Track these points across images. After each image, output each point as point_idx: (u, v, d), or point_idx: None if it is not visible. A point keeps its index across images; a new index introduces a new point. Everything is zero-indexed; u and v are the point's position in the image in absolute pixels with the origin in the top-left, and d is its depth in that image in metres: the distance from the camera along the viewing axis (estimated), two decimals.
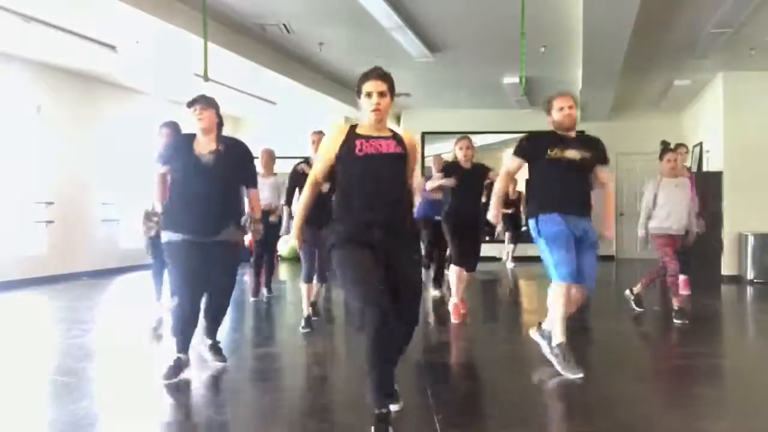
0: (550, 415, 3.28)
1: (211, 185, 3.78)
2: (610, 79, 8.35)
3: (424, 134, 12.36)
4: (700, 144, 10.27)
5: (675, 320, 5.54)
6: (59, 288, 8.02)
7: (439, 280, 7.32)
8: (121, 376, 4.08)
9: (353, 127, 3.15)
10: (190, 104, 3.85)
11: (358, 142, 3.05)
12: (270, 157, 7.31)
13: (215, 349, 4.18)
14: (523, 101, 10.60)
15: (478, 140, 12.33)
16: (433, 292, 7.15)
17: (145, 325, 5.76)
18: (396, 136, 3.17)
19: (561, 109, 4.02)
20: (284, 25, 7.00)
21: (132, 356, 4.60)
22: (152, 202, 5.12)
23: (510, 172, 4.17)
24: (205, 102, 3.88)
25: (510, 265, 10.72)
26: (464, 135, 5.98)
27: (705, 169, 9.80)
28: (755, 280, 8.45)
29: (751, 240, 8.54)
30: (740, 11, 6.10)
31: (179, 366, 3.79)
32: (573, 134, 4.05)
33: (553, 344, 3.91)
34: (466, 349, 4.88)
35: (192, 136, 3.92)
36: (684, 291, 6.70)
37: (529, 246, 11.38)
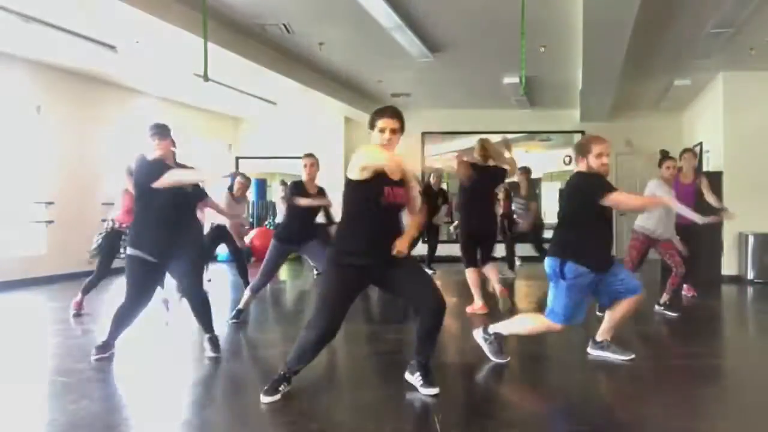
0: (550, 415, 3.28)
1: None
2: (610, 79, 8.35)
3: (423, 134, 12.36)
4: (700, 144, 10.28)
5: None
6: (59, 288, 8.02)
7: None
8: (120, 376, 4.08)
9: None
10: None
11: (386, 190, 3.31)
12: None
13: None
14: (523, 101, 10.60)
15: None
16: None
17: (144, 324, 5.75)
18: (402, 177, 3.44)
19: (599, 156, 3.87)
20: (284, 25, 7.00)
21: (132, 356, 4.60)
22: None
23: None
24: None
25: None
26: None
27: (705, 169, 9.79)
28: (755, 280, 8.45)
29: (751, 240, 8.54)
30: (740, 11, 6.10)
31: None
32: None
33: (491, 331, 4.24)
34: (466, 349, 4.87)
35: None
36: (688, 293, 7.07)
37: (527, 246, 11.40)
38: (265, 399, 3.36)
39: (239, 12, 6.61)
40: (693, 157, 7.09)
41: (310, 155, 5.54)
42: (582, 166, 3.97)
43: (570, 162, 12.94)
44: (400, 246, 3.28)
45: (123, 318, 4.32)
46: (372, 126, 3.39)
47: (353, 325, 5.52)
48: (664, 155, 6.16)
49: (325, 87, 9.54)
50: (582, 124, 11.87)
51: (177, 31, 6.18)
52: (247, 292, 5.66)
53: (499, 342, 4.22)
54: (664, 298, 6.10)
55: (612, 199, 3.82)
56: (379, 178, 3.31)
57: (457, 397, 3.65)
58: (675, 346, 5.04)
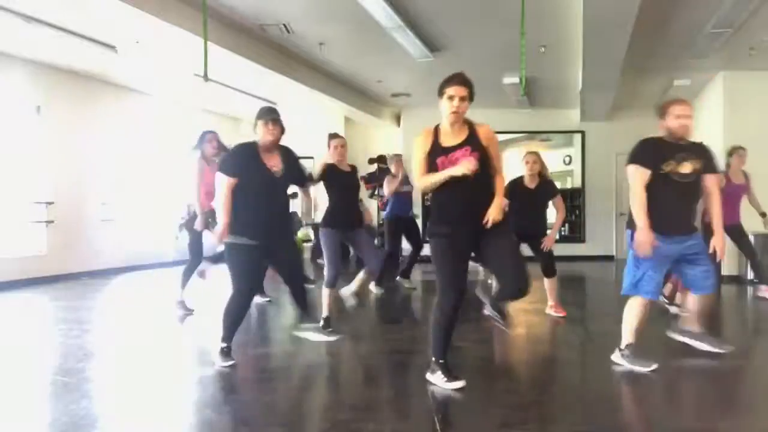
0: (550, 415, 3.28)
1: None
2: (610, 79, 8.35)
3: None
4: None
5: None
6: (59, 288, 8.02)
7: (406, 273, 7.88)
8: (121, 376, 4.08)
9: (436, 134, 3.43)
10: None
11: (439, 161, 3.38)
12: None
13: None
14: (523, 101, 10.59)
15: None
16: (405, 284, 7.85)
17: (143, 324, 5.76)
18: (471, 138, 3.45)
19: (679, 116, 3.94)
20: (284, 25, 7.00)
21: (131, 356, 4.60)
22: None
23: (644, 185, 3.91)
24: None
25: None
26: (533, 150, 5.92)
27: None
28: (755, 281, 8.43)
29: (751, 240, 8.53)
30: (740, 11, 6.10)
31: None
32: (684, 142, 3.96)
33: (623, 345, 4.03)
34: (465, 350, 4.87)
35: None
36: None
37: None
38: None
39: (239, 12, 6.61)
40: (744, 154, 7.00)
41: (340, 136, 5.46)
42: (662, 129, 4.05)
43: (570, 162, 12.93)
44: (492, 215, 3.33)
45: (236, 313, 4.12)
46: (441, 94, 3.42)
47: (354, 325, 5.53)
48: None
49: (325, 87, 9.54)
50: (582, 124, 11.86)
51: (177, 31, 6.17)
52: (325, 291, 5.18)
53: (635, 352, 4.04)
54: (669, 290, 6.02)
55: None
56: (432, 155, 3.40)
57: (457, 397, 3.65)
58: (675, 345, 5.03)
